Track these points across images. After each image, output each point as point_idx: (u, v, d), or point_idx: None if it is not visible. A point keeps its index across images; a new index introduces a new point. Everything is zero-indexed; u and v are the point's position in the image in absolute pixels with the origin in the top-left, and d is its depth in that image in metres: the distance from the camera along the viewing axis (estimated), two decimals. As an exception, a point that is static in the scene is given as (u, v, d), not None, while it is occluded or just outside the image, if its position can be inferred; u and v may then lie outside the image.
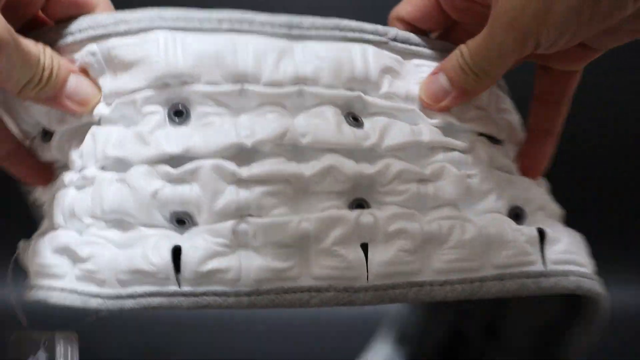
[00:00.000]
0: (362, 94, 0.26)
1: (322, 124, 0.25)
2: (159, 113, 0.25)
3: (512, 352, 0.37)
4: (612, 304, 0.28)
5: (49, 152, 0.28)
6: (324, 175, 0.25)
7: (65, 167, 0.27)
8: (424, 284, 0.25)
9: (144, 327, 0.49)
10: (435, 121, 0.27)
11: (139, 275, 0.24)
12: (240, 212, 0.24)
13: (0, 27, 0.22)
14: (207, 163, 0.24)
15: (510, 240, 0.26)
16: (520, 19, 0.24)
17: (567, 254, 0.27)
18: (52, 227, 0.26)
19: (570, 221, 0.30)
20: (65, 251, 0.25)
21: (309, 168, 0.25)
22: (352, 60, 0.26)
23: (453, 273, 0.25)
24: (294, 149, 0.25)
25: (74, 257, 0.25)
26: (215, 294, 0.24)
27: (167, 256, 0.24)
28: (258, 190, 0.24)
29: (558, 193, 0.31)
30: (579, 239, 0.29)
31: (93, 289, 0.24)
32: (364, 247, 0.25)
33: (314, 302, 0.25)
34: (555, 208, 0.30)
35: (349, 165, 0.25)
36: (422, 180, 0.26)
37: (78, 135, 0.26)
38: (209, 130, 0.25)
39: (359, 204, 0.26)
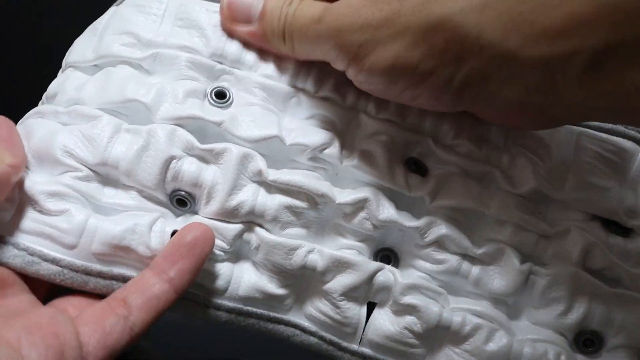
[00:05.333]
0: (430, 140, 0.22)
1: (372, 155, 0.22)
2: (200, 83, 0.22)
3: None
4: None
5: None
6: (356, 208, 0.21)
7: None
8: None
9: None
10: (521, 189, 0.22)
11: (124, 253, 0.20)
12: (251, 217, 0.21)
13: None
14: (237, 149, 0.21)
15: None
16: (346, 36, 0.20)
17: None
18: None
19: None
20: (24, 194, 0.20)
21: (342, 195, 0.21)
22: None
23: None
24: (332, 171, 0.22)
25: (35, 205, 0.20)
26: (195, 300, 0.21)
27: (166, 230, 0.20)
28: (279, 199, 0.21)
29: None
30: None
31: (54, 251, 0.20)
32: (370, 306, 0.22)
33: (295, 340, 0.22)
34: None
35: (387, 207, 0.21)
36: (468, 256, 0.22)
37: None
38: (250, 117, 0.22)
39: (386, 255, 0.22)
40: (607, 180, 0.22)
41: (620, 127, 0.23)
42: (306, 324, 0.22)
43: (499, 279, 0.21)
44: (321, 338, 0.22)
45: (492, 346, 0.21)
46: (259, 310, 0.21)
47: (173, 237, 0.20)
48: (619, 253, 0.22)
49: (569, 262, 0.21)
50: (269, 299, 0.21)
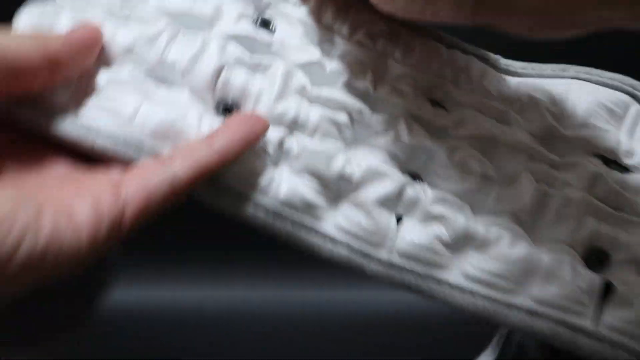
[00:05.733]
0: (450, 84, 0.25)
1: (401, 90, 0.24)
2: (249, 11, 0.24)
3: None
4: None
5: None
6: (387, 125, 0.23)
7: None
8: (443, 283, 0.22)
9: (143, 327, 0.46)
10: (532, 125, 0.25)
11: (176, 136, 0.21)
12: (294, 126, 0.23)
13: None
14: (283, 64, 0.23)
15: (564, 280, 0.22)
16: None
17: (634, 326, 0.22)
18: None
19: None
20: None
21: (375, 110, 0.24)
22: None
23: (481, 285, 0.22)
24: (367, 95, 0.24)
25: (93, 86, 0.21)
26: (239, 194, 0.21)
27: (214, 125, 0.22)
28: (321, 111, 0.23)
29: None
30: None
31: (109, 126, 0.20)
32: (398, 219, 0.23)
33: (325, 251, 0.22)
34: None
35: (416, 129, 0.23)
36: (489, 177, 0.23)
37: None
38: (294, 45, 0.24)
39: (413, 175, 0.24)
40: (607, 123, 0.26)
41: (617, 82, 0.27)
42: (338, 235, 0.22)
43: (517, 197, 0.23)
44: (351, 249, 0.22)
45: (516, 251, 0.22)
46: (296, 217, 0.22)
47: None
48: (619, 185, 0.24)
49: (578, 188, 0.24)
50: (305, 207, 0.22)
